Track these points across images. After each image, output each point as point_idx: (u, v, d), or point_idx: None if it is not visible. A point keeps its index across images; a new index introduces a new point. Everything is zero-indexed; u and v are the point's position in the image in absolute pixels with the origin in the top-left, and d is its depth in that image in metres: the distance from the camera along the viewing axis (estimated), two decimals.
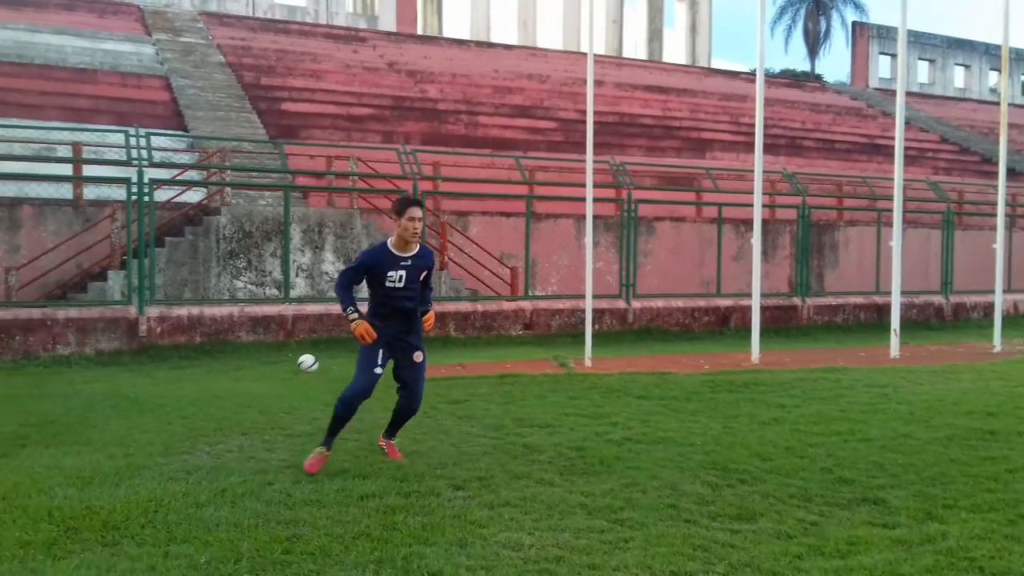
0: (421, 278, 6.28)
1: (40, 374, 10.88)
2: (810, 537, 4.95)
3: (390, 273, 6.12)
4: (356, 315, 6.09)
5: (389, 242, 6.20)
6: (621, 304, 16.35)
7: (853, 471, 6.29)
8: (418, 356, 6.35)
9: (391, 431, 6.61)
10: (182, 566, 4.43)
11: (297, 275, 14.92)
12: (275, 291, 14.69)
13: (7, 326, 11.99)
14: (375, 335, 6.08)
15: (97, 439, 7.08)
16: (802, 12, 60.70)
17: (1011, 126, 24.79)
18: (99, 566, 4.41)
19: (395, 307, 6.25)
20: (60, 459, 6.38)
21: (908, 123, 31.80)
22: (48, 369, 11.28)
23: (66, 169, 14.89)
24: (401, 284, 6.16)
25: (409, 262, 6.18)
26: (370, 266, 6.16)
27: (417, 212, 6.13)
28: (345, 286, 6.20)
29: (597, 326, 14.41)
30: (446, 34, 44.31)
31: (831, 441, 7.25)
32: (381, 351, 6.17)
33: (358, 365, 6.22)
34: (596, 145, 12.93)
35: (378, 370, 6.17)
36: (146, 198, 13.11)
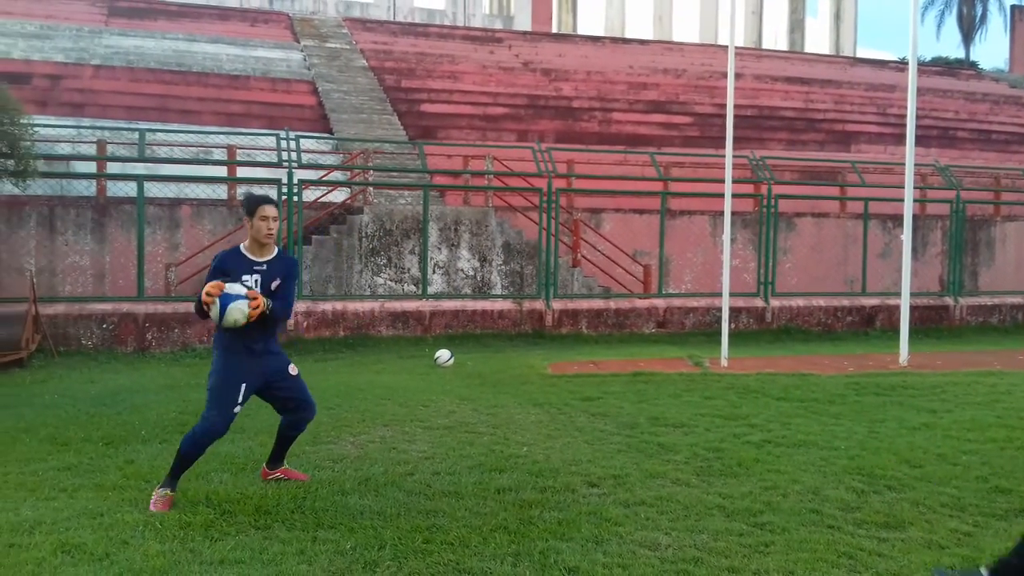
0: (274, 286, 5.56)
1: (196, 365, 11.53)
2: (964, 548, 4.72)
3: (244, 278, 5.49)
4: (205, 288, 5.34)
5: (243, 245, 5.62)
6: (759, 302, 15.95)
7: (1011, 480, 5.94)
8: (293, 369, 5.78)
9: (278, 457, 5.95)
10: (329, 551, 4.61)
11: (434, 272, 15.27)
12: (413, 287, 15.09)
13: (167, 319, 12.79)
14: (220, 285, 5.28)
15: (249, 428, 7.42)
16: None
17: None
18: (253, 548, 4.63)
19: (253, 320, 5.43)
20: (216, 446, 6.63)
21: None
22: (204, 360, 11.91)
23: (221, 171, 15.72)
24: (257, 288, 5.49)
25: (264, 267, 5.56)
26: (221, 270, 5.48)
27: (270, 211, 5.55)
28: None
29: (733, 325, 14.11)
30: (581, 32, 44.31)
31: (986, 448, 6.86)
32: (244, 386, 5.49)
33: (213, 398, 5.47)
34: (734, 139, 12.65)
35: (237, 408, 5.51)
36: (295, 198, 13.71)
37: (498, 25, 39.32)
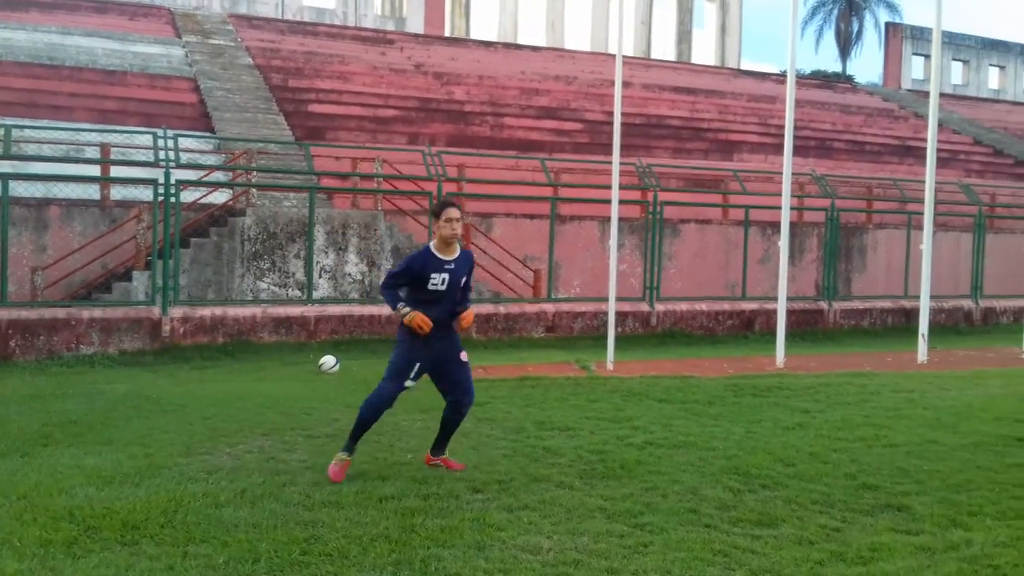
0: (463, 283, 6.28)
1: (63, 374, 10.99)
2: (832, 543, 4.89)
3: (433, 276, 6.11)
4: (407, 308, 6.06)
5: (432, 245, 6.22)
6: (644, 307, 16.27)
7: (877, 477, 6.21)
8: (464, 355, 6.38)
9: (441, 445, 6.46)
10: (201, 566, 4.44)
11: (320, 276, 14.98)
12: (298, 292, 14.76)
13: (32, 326, 12.13)
14: (430, 322, 6.00)
15: (119, 439, 7.12)
16: (834, 13, 60.20)
17: None
18: (118, 565, 4.43)
19: (436, 310, 6.15)
20: (81, 459, 6.43)
21: (941, 125, 31.34)
22: (71, 369, 11.39)
23: (94, 170, 15.05)
24: (444, 287, 6.14)
25: (452, 265, 6.18)
26: (415, 270, 6.13)
27: (454, 213, 6.14)
28: (390, 288, 6.21)
29: (620, 329, 14.34)
30: (474, 36, 44.39)
31: (855, 447, 7.15)
32: (418, 365, 6.15)
33: (390, 371, 6.16)
34: (623, 147, 12.86)
35: (409, 383, 6.16)
36: (172, 199, 13.22)
37: (390, 27, 38.99)
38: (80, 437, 7.16)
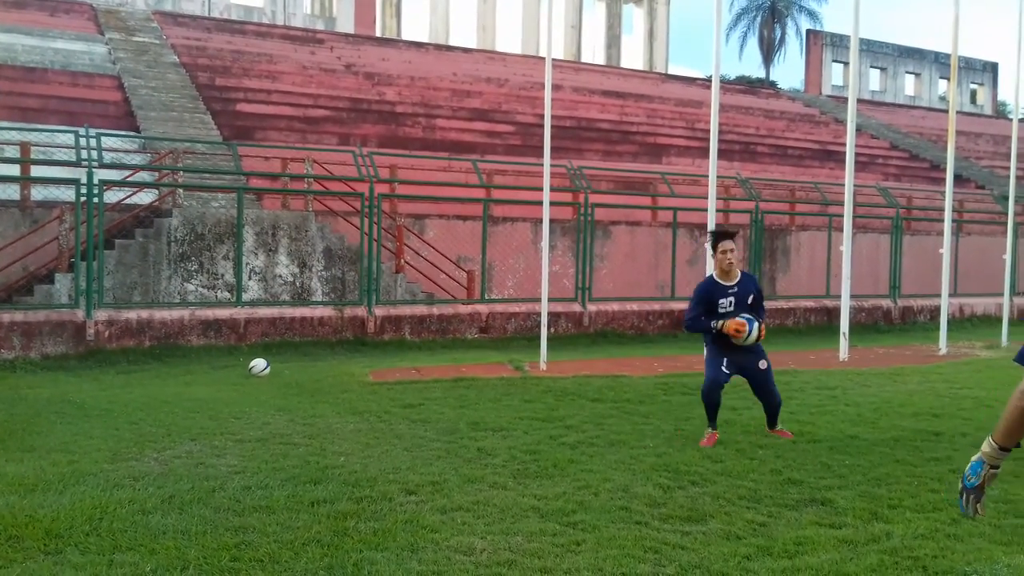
0: (750, 301, 7.35)
1: None
2: (759, 538, 5.01)
3: (721, 301, 7.25)
4: (719, 321, 7.21)
5: (714, 275, 7.43)
6: (577, 307, 16.42)
7: (801, 472, 6.38)
8: (762, 364, 7.42)
9: (771, 422, 7.66)
10: (127, 575, 4.35)
11: (250, 278, 14.75)
12: (227, 294, 14.51)
13: None
14: (743, 323, 7.15)
15: (41, 445, 6.93)
16: (757, 20, 61.58)
17: (959, 133, 25.35)
18: (41, 575, 4.31)
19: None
20: (3, 466, 6.23)
21: (859, 130, 32.37)
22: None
23: (13, 169, 14.57)
24: (731, 308, 7.25)
25: (736, 289, 7.31)
26: (704, 299, 7.31)
27: (728, 245, 7.30)
28: (696, 319, 7.37)
29: (553, 329, 14.45)
30: (405, 37, 44.17)
31: (780, 443, 7.34)
32: (726, 359, 7.34)
33: (707, 366, 7.51)
34: (554, 149, 12.96)
35: (725, 370, 7.34)
36: (96, 199, 12.88)
37: (319, 26, 38.56)
38: (1, 443, 6.95)
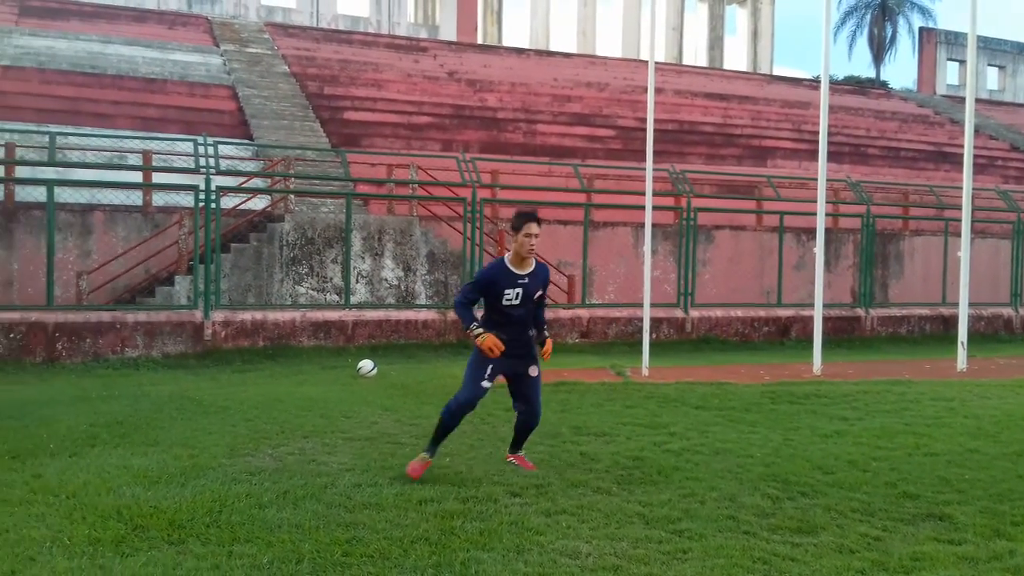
0: (537, 296, 6.26)
1: (109, 376, 11.19)
2: (873, 552, 4.86)
3: (507, 291, 6.11)
4: (480, 328, 6.09)
5: (506, 259, 6.23)
6: (679, 313, 16.23)
7: (918, 486, 6.16)
8: (533, 370, 6.38)
9: (516, 445, 6.66)
10: (245, 566, 4.51)
11: (357, 281, 15.12)
12: (336, 297, 14.91)
13: (78, 329, 12.37)
14: (503, 346, 6.02)
15: (164, 440, 7.25)
16: (867, 18, 59.60)
17: None
18: (166, 564, 4.51)
19: (511, 325, 6.18)
20: (128, 459, 6.56)
21: (977, 130, 31.02)
22: (117, 371, 11.60)
23: (136, 176, 15.30)
24: (518, 301, 6.14)
25: (526, 280, 6.17)
26: (488, 283, 6.15)
27: (534, 228, 6.11)
28: (465, 304, 6.18)
29: (654, 335, 14.32)
30: (506, 43, 44.51)
31: (895, 455, 7.10)
32: (491, 366, 6.17)
33: (466, 376, 6.25)
34: (655, 153, 12.87)
35: (486, 383, 6.20)
36: (213, 205, 13.43)
37: (423, 34, 39.24)
38: (126, 438, 7.30)
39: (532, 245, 6.09)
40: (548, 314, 15.11)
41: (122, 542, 4.80)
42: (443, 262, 15.87)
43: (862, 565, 4.66)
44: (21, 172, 14.68)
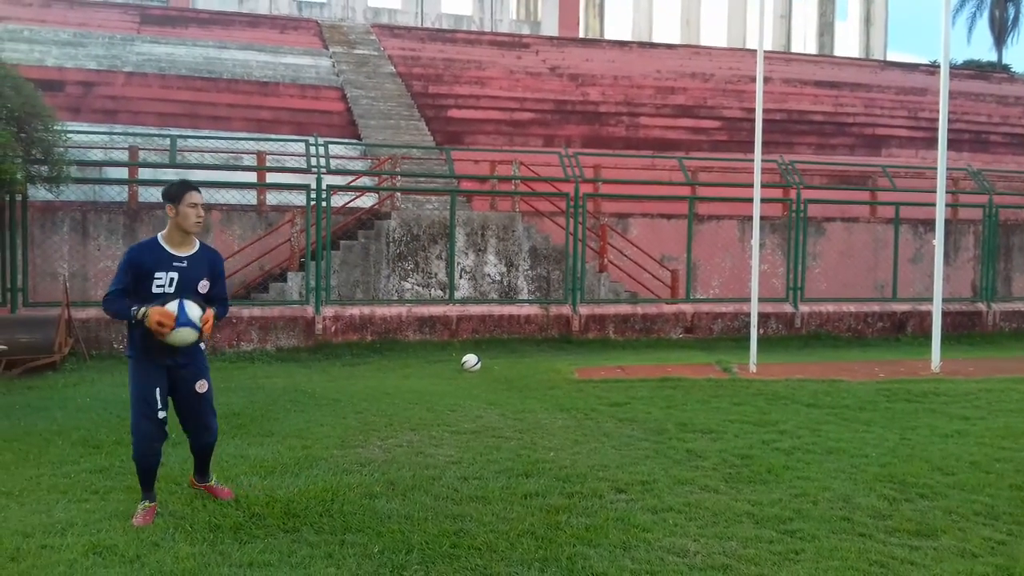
0: (202, 287, 5.14)
1: (226, 368, 11.62)
2: (998, 557, 4.65)
3: (158, 274, 4.99)
4: (140, 307, 4.93)
5: (160, 236, 5.12)
6: (788, 308, 15.83)
7: None
8: (201, 386, 5.28)
9: (200, 471, 5.59)
10: (357, 555, 4.63)
11: (461, 277, 15.30)
12: (440, 292, 15.13)
13: None
14: (171, 313, 4.89)
15: (278, 431, 7.49)
16: (987, 0, 56.76)
17: None
18: (281, 551, 4.67)
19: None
20: (245, 449, 6.80)
21: None
22: (233, 364, 12.04)
23: (251, 177, 15.85)
24: (172, 289, 5.01)
25: (184, 263, 5.07)
26: (134, 264, 5.00)
27: (198, 197, 5.07)
28: (113, 296, 5.03)
29: (762, 330, 14.00)
30: (608, 36, 44.23)
31: (1020, 456, 6.76)
32: (158, 391, 5.10)
33: (133, 407, 5.13)
34: (763, 144, 12.56)
35: (161, 414, 5.13)
36: (323, 203, 13.80)
37: (525, 30, 39.35)
38: (243, 429, 7.56)
39: (199, 217, 5.06)
40: (651, 309, 15.14)
41: (240, 529, 4.98)
42: (545, 257, 15.90)
43: (985, 570, 4.46)
44: (144, 174, 15.41)
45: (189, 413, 5.32)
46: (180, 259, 5.08)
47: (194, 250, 5.16)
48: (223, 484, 5.68)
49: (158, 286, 4.99)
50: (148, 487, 5.23)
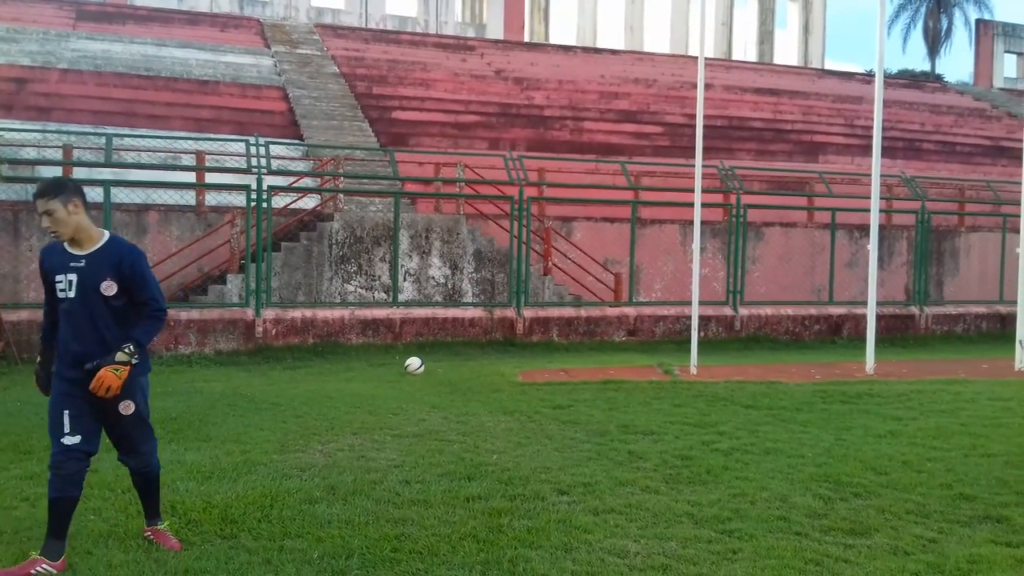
0: (107, 288, 4.40)
1: (163, 372, 11.37)
2: (928, 554, 4.77)
3: (58, 277, 4.42)
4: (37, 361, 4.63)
5: None
6: (728, 311, 16.07)
7: (974, 487, 6.02)
8: (126, 407, 4.53)
9: (149, 512, 4.86)
10: (296, 560, 4.58)
11: (405, 279, 15.22)
12: (384, 295, 15.03)
13: None
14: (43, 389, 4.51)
15: (216, 436, 7.37)
16: (922, 10, 58.26)
17: None
18: (218, 558, 4.59)
19: (75, 333, 4.43)
20: (182, 454, 6.67)
21: None
22: (170, 368, 11.82)
23: (190, 177, 15.58)
24: (72, 294, 4.40)
25: (82, 262, 4.42)
26: (42, 268, 4.54)
27: (40, 204, 4.38)
28: (44, 317, 4.67)
29: (703, 333, 14.19)
30: (553, 40, 44.42)
31: (951, 456, 6.95)
32: (67, 413, 4.38)
33: (52, 423, 4.46)
34: (704, 149, 12.74)
35: (68, 440, 4.38)
36: (264, 204, 13.62)
37: (470, 33, 39.35)
38: (180, 433, 7.42)
39: (47, 227, 4.41)
40: (595, 312, 15.27)
41: (176, 536, 4.88)
42: (490, 260, 15.90)
43: (917, 567, 4.57)
44: (79, 173, 15.01)
45: (117, 438, 4.65)
46: (78, 258, 4.42)
47: (95, 247, 4.45)
48: (172, 534, 4.87)
49: (60, 290, 4.41)
50: (56, 534, 4.36)
